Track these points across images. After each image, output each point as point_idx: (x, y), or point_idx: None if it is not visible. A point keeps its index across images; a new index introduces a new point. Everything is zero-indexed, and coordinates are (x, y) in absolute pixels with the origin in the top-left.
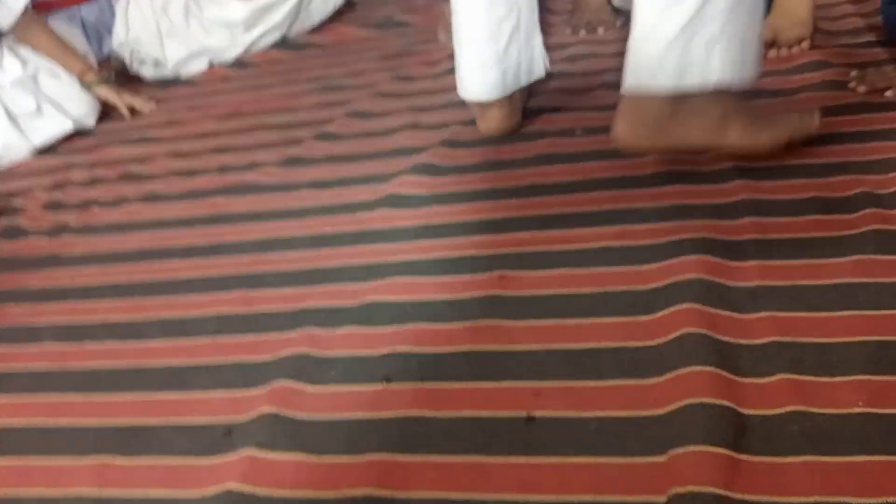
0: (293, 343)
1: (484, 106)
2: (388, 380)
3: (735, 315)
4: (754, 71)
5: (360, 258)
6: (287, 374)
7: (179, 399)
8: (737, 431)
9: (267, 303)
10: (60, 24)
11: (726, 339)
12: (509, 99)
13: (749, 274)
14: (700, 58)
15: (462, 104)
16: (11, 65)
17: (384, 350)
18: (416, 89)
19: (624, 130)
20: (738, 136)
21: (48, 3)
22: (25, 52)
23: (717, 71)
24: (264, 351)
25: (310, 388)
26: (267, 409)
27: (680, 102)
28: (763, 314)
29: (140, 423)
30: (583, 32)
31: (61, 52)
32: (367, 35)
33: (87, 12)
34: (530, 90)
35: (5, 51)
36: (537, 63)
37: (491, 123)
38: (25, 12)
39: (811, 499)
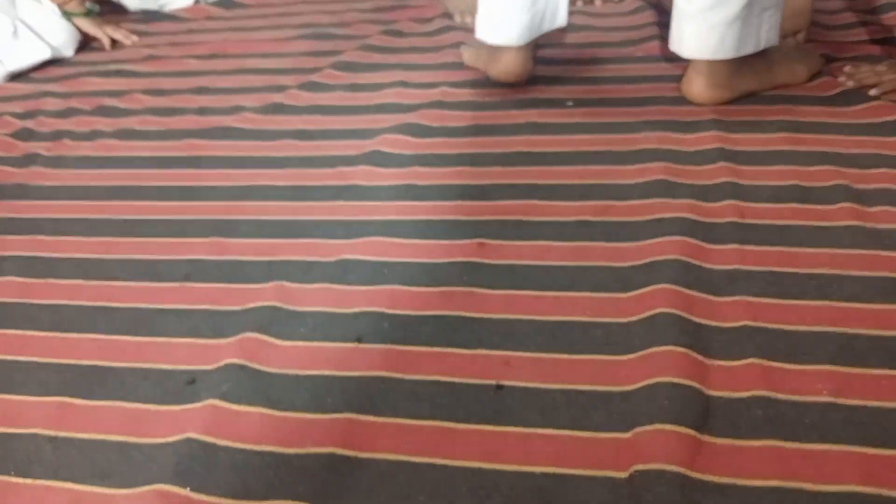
0: (264, 295)
1: (505, 51)
2: (359, 339)
3: (710, 297)
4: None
5: (338, 214)
6: (256, 326)
7: (144, 342)
8: (702, 412)
9: (240, 252)
10: None
11: (699, 320)
12: (528, 45)
13: (727, 257)
14: (754, 29)
15: (454, 66)
16: None
17: (357, 309)
18: (408, 45)
19: (701, 90)
20: (782, 75)
21: None
22: None
23: (765, 37)
24: (234, 300)
25: (278, 342)
26: (233, 359)
27: (738, 61)
28: (737, 298)
29: (102, 365)
30: (580, 3)
31: None
32: None
33: None
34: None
35: None
36: (562, 9)
37: (510, 68)
38: None
39: (770, 483)
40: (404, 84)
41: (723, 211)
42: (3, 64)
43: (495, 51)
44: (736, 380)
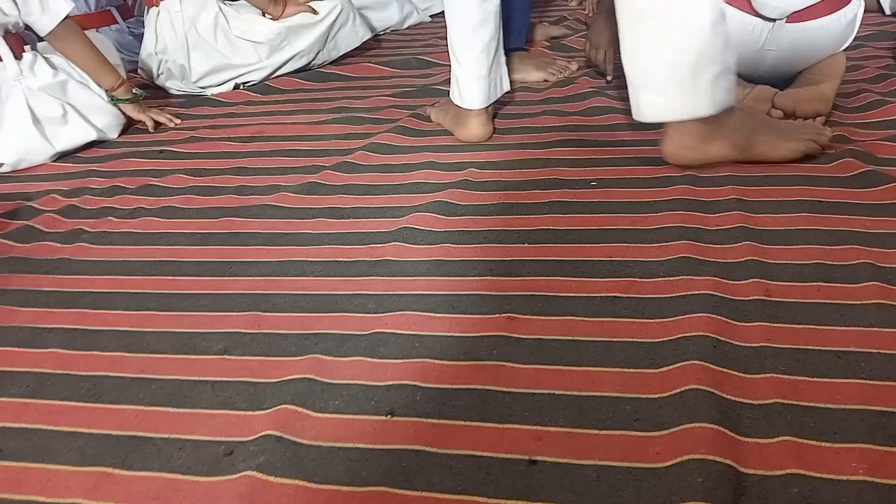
0: (300, 367)
1: (470, 115)
2: (391, 412)
3: (740, 374)
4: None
5: (370, 289)
6: (292, 398)
7: (182, 413)
8: (735, 490)
9: (276, 325)
10: (96, 35)
11: (730, 397)
12: (486, 110)
13: (754, 335)
14: (707, 91)
15: (480, 147)
16: (42, 70)
17: (389, 382)
18: (435, 128)
19: (669, 150)
20: (764, 147)
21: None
22: (58, 59)
23: (720, 100)
24: (271, 373)
25: (314, 414)
26: (270, 431)
27: (711, 125)
28: (767, 375)
29: (141, 436)
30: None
31: (95, 63)
32: (389, 72)
33: (105, 32)
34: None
35: (38, 56)
36: (505, 79)
37: (474, 130)
38: (66, 20)
39: None
40: (433, 165)
41: (748, 289)
42: (51, 145)
43: (460, 115)
44: (769, 458)
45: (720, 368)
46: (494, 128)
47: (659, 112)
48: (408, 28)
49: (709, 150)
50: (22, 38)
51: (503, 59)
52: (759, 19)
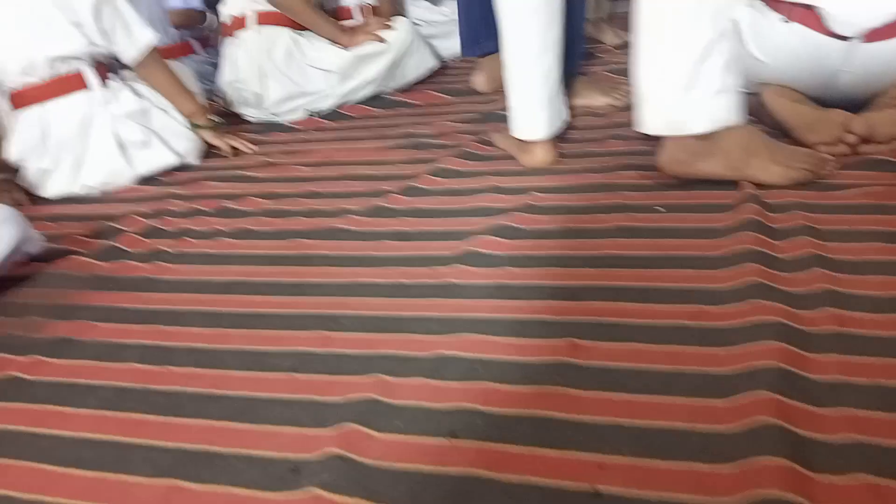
0: (364, 387)
1: (531, 143)
2: (453, 435)
3: (812, 408)
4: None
5: (434, 311)
6: (356, 418)
7: (251, 430)
8: None
9: (343, 345)
10: (177, 65)
11: (802, 432)
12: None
13: (828, 367)
14: (702, 109)
15: (543, 172)
16: (126, 97)
17: (451, 404)
18: (499, 153)
19: (662, 162)
20: (755, 170)
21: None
22: (141, 86)
23: (719, 117)
24: (336, 392)
25: (376, 434)
26: (334, 449)
27: (706, 142)
28: (842, 410)
29: (212, 450)
30: None
31: (177, 91)
32: (454, 99)
33: (186, 62)
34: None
35: (123, 84)
36: (566, 110)
37: (538, 156)
38: (150, 50)
39: None
40: (497, 189)
41: (821, 319)
42: (134, 168)
43: (525, 144)
44: (845, 497)
45: (792, 401)
46: (559, 153)
47: (652, 124)
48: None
49: (699, 165)
50: (108, 67)
51: (563, 88)
52: (832, 39)
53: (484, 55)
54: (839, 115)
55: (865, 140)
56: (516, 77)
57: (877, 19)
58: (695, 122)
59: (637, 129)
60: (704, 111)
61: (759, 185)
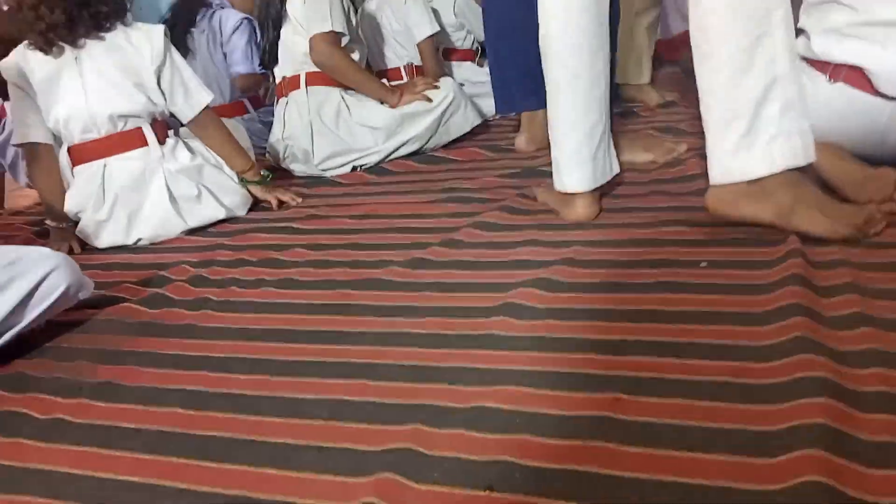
0: (401, 437)
1: (574, 196)
2: (490, 488)
3: (862, 469)
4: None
5: (473, 362)
6: (392, 467)
7: (288, 477)
8: None
9: (381, 394)
10: (230, 122)
11: (851, 493)
12: (595, 191)
13: (877, 428)
14: (761, 155)
15: (585, 226)
16: (181, 154)
17: (489, 457)
18: (541, 208)
19: (711, 202)
20: (802, 220)
21: None
22: (196, 144)
23: (780, 162)
24: (373, 441)
25: (413, 485)
26: (371, 499)
27: (754, 186)
28: (891, 472)
29: (248, 496)
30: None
31: (230, 149)
32: (496, 156)
33: (241, 120)
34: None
35: (179, 141)
36: (615, 161)
37: (580, 211)
38: (205, 110)
39: None
40: (537, 242)
41: (870, 378)
42: (185, 221)
43: (566, 196)
44: None
45: (840, 460)
46: (602, 208)
47: (713, 174)
48: (516, 114)
49: (747, 209)
50: (166, 124)
51: (611, 141)
52: (880, 98)
53: (518, 112)
54: (889, 173)
55: None
56: (561, 129)
57: None
58: (752, 168)
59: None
60: (761, 157)
61: (805, 239)
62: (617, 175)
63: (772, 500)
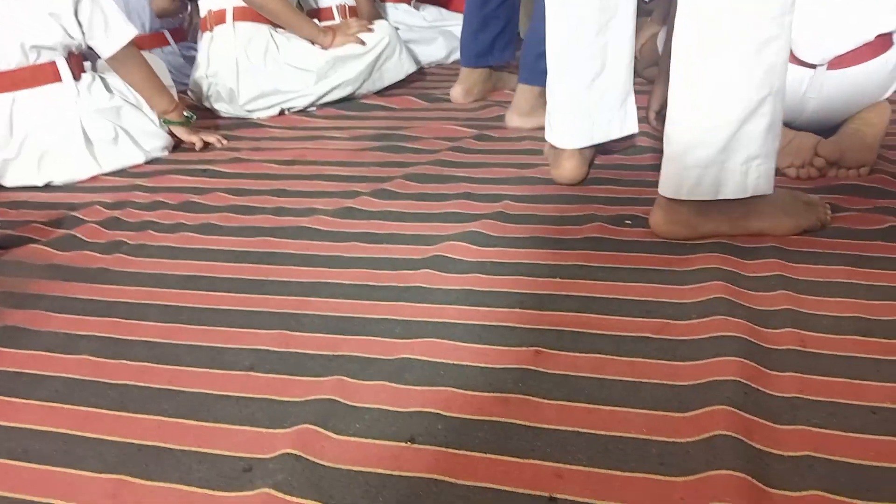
0: (324, 388)
1: (563, 153)
2: (412, 439)
3: (770, 424)
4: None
5: (399, 314)
6: (314, 419)
7: (205, 427)
8: None
9: (303, 345)
10: (151, 57)
11: (759, 446)
12: (581, 151)
13: (787, 384)
14: (736, 175)
15: (516, 181)
16: (98, 92)
17: (412, 408)
18: (474, 161)
19: (659, 223)
20: (760, 224)
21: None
22: (114, 81)
23: (752, 186)
24: (295, 392)
25: (334, 436)
26: (289, 450)
27: (706, 204)
28: (799, 427)
29: (163, 446)
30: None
31: (153, 87)
32: (431, 106)
33: (158, 54)
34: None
35: (96, 78)
36: (630, 121)
37: (565, 172)
38: (127, 45)
39: None
40: (469, 196)
41: (783, 338)
42: (100, 166)
43: (556, 152)
44: None
45: (750, 416)
46: (588, 170)
47: (674, 188)
48: (452, 63)
49: (703, 226)
50: (83, 59)
51: (616, 100)
52: (799, 66)
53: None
54: (809, 138)
55: (833, 163)
56: (553, 76)
57: (841, 48)
58: (726, 188)
59: (661, 193)
60: (739, 177)
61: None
62: (631, 137)
63: (684, 451)
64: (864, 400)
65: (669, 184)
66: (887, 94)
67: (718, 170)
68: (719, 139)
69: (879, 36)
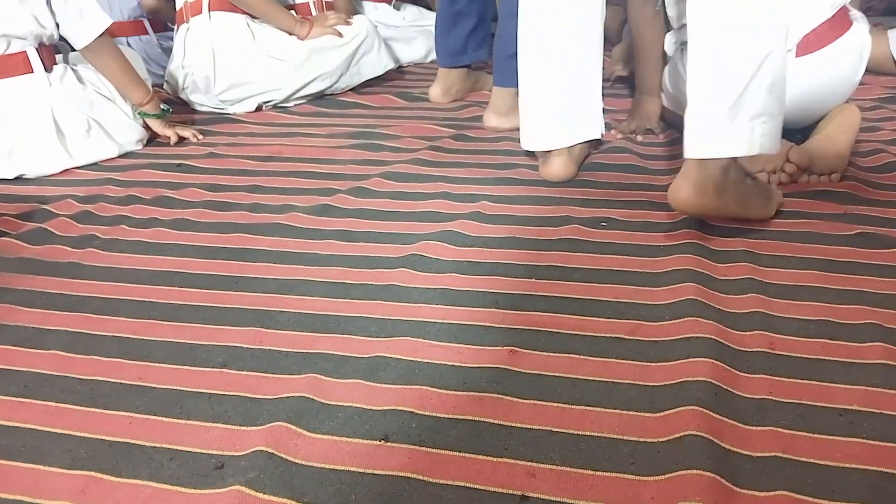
0: (297, 386)
1: (548, 154)
2: (385, 438)
3: (739, 425)
4: (779, 144)
5: (374, 312)
6: (287, 416)
7: (176, 424)
8: None
9: (277, 342)
10: (127, 50)
11: (728, 447)
12: (569, 150)
13: (756, 386)
14: (745, 132)
15: (494, 181)
16: (71, 83)
17: (386, 407)
18: (452, 160)
19: (684, 194)
20: (755, 209)
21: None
22: (87, 72)
23: (759, 143)
24: (268, 389)
25: (307, 434)
26: (262, 447)
27: (726, 179)
28: (767, 428)
29: (132, 442)
30: (619, 136)
31: (128, 78)
32: (409, 105)
33: (135, 43)
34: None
35: (69, 69)
36: (597, 123)
37: (552, 170)
38: (102, 35)
39: None
40: (447, 195)
41: (753, 340)
42: (72, 159)
43: (546, 152)
44: None
45: (720, 417)
46: (577, 169)
47: (694, 149)
48: (431, 62)
49: (719, 200)
50: (55, 48)
51: (590, 96)
52: None
53: (455, 67)
54: (781, 144)
55: (805, 169)
56: (529, 74)
57: (803, 26)
58: (741, 144)
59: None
60: (750, 134)
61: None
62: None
63: (655, 450)
64: (831, 402)
65: (688, 145)
66: (856, 80)
67: (726, 127)
68: (728, 97)
69: (838, 13)
